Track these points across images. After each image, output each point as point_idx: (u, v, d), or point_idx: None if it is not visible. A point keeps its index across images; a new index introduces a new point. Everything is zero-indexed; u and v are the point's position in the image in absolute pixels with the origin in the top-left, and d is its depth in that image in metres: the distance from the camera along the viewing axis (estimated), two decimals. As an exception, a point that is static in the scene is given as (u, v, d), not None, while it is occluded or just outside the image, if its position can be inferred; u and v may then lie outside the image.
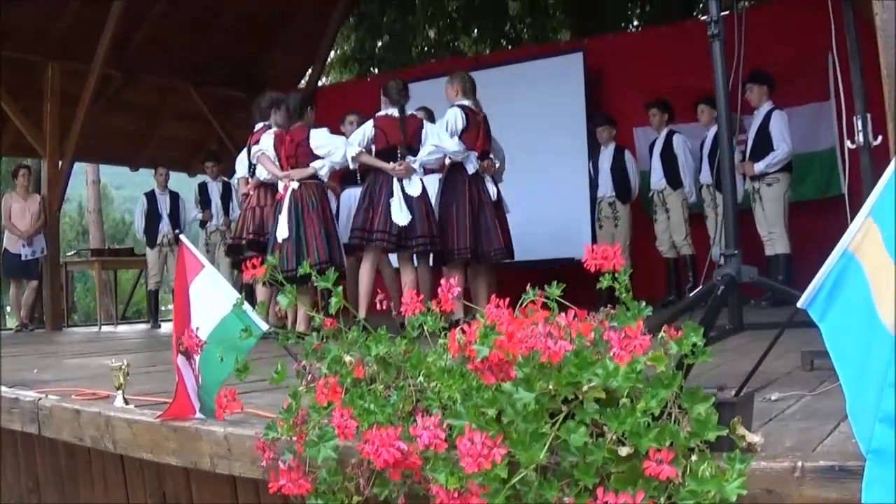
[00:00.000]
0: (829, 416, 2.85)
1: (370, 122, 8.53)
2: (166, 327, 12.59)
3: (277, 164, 8.56)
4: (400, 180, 8.27)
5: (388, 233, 8.20)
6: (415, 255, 8.62)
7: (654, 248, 11.32)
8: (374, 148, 8.43)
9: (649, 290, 10.35)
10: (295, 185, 8.33)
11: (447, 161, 8.59)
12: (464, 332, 2.30)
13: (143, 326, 14.38)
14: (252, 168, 9.38)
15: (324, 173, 8.39)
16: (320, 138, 8.42)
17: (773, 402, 3.26)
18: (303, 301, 7.38)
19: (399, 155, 8.32)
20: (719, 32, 3.78)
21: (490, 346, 2.21)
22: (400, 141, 8.33)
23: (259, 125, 9.29)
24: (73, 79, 13.08)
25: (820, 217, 9.69)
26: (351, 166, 8.56)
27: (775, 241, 9.71)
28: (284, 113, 8.74)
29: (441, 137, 8.34)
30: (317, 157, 8.37)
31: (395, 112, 8.45)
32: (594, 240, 11.81)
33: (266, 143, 8.76)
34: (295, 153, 8.43)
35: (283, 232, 8.24)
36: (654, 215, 11.31)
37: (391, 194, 8.24)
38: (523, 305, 2.42)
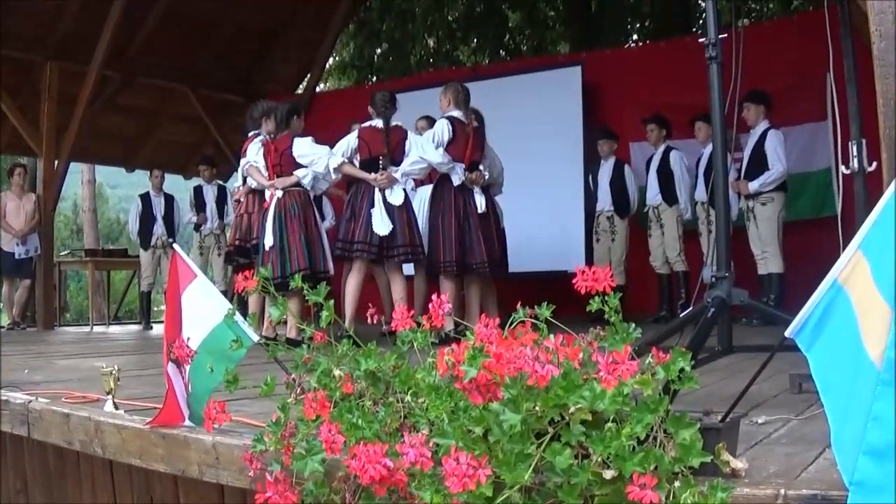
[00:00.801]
0: (814, 442, 2.86)
1: (354, 133, 8.58)
2: (158, 329, 12.59)
3: (265, 173, 8.63)
4: (382, 190, 8.30)
5: (368, 243, 8.25)
6: (413, 266, 8.66)
7: (648, 263, 11.33)
8: (358, 159, 8.48)
9: (642, 305, 10.41)
10: (280, 193, 8.40)
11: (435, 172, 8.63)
12: (453, 351, 2.31)
13: (135, 327, 14.39)
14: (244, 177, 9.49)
15: (306, 182, 8.44)
16: (303, 147, 8.48)
17: (759, 425, 3.26)
18: (291, 308, 7.41)
19: (381, 166, 8.34)
20: (717, 55, 3.78)
21: (478, 368, 2.22)
22: (383, 152, 8.36)
23: (251, 134, 9.38)
24: (71, 79, 13.09)
25: (814, 237, 9.72)
26: (333, 177, 8.59)
27: (768, 260, 9.73)
28: (273, 122, 8.82)
29: (425, 149, 8.34)
30: (300, 166, 8.43)
31: (379, 123, 8.49)
32: (590, 253, 11.85)
33: (253, 153, 8.95)
34: (279, 162, 8.51)
35: (268, 240, 8.31)
36: (648, 230, 11.31)
37: (372, 205, 8.27)
38: (513, 327, 2.43)
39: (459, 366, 2.24)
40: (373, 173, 8.36)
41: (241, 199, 9.46)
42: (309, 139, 8.61)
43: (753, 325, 8.76)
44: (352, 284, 8.44)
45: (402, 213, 8.38)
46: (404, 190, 8.47)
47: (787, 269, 9.73)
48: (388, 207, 8.30)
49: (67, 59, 13.17)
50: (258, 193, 9.18)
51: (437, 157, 8.34)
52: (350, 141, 8.53)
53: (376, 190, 8.32)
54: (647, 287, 11.38)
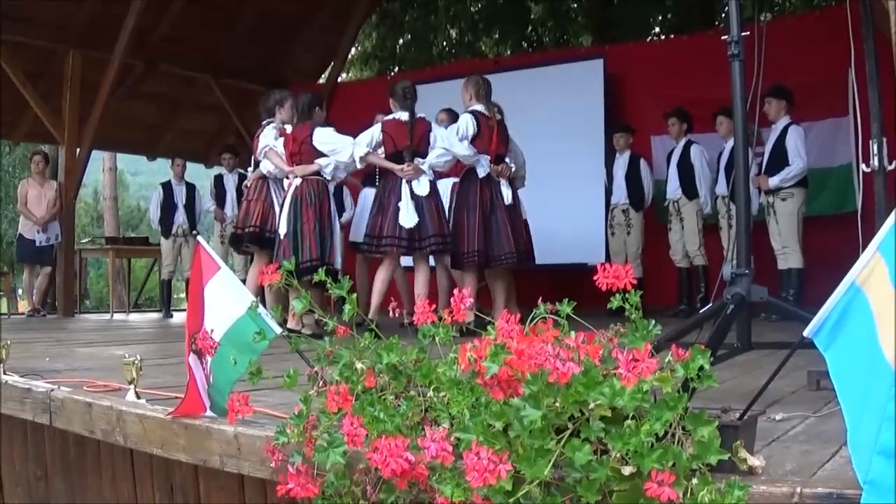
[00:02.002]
0: (831, 440, 2.86)
1: (378, 126, 8.55)
2: (178, 317, 12.65)
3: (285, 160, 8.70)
4: (409, 182, 8.31)
5: (396, 237, 8.22)
6: (433, 259, 8.67)
7: (665, 257, 11.32)
8: (382, 152, 8.46)
9: (660, 299, 10.40)
10: (298, 181, 8.42)
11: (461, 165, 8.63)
12: (475, 347, 2.32)
13: (155, 315, 14.46)
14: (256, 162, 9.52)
15: (328, 171, 8.46)
16: (326, 136, 8.49)
17: (776, 421, 3.27)
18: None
19: (405, 158, 8.34)
20: (739, 53, 3.78)
21: (500, 364, 2.24)
22: (406, 145, 8.36)
23: (264, 123, 9.42)
24: (93, 67, 13.14)
25: (834, 232, 9.67)
26: (358, 166, 8.58)
27: (788, 256, 9.71)
28: (290, 110, 8.86)
29: (451, 142, 8.34)
30: (321, 155, 8.45)
31: (403, 116, 8.47)
32: (607, 246, 11.84)
33: (271, 138, 8.95)
34: (299, 150, 8.52)
35: (283, 228, 8.36)
36: (668, 224, 11.29)
37: (399, 198, 8.26)
38: (534, 323, 2.44)
39: (481, 362, 2.27)
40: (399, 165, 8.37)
41: (250, 185, 9.48)
42: (331, 129, 8.62)
43: (772, 321, 8.74)
44: (381, 277, 8.46)
45: (429, 204, 8.35)
46: (431, 181, 8.44)
47: (807, 264, 9.71)
48: (416, 199, 8.30)
49: (90, 47, 13.22)
50: (266, 180, 9.20)
51: (463, 149, 8.36)
52: (374, 133, 8.49)
53: (403, 182, 8.29)
54: (666, 280, 11.37)
